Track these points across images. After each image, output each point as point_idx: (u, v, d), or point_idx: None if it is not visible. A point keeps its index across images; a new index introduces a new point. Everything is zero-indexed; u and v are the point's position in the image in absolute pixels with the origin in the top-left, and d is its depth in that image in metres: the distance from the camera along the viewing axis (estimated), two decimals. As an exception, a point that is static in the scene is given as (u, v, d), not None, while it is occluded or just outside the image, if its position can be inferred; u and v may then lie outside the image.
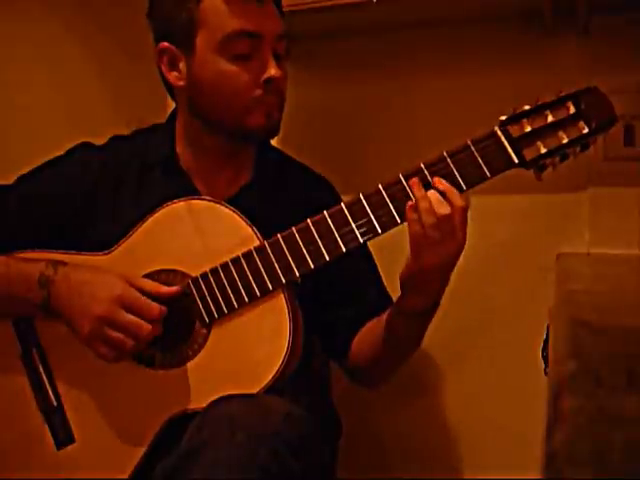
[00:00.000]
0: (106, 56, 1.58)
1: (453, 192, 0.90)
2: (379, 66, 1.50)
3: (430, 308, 1.01)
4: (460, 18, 1.42)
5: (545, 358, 1.06)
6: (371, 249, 1.20)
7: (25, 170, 1.15)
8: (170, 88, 1.12)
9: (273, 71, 1.03)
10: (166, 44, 1.06)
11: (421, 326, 1.05)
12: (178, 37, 1.05)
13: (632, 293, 0.98)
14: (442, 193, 0.91)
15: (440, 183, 0.91)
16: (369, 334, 1.12)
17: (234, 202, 1.02)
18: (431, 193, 0.91)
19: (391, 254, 1.13)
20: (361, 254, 1.16)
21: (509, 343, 1.40)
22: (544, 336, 1.04)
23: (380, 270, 1.22)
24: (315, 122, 1.54)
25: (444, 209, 0.89)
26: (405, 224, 0.93)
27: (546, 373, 0.97)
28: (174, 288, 0.99)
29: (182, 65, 1.07)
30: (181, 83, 1.08)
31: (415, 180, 0.92)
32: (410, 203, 0.91)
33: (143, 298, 0.96)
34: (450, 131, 1.43)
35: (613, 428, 0.45)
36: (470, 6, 1.36)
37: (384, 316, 1.07)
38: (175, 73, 1.08)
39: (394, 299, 1.05)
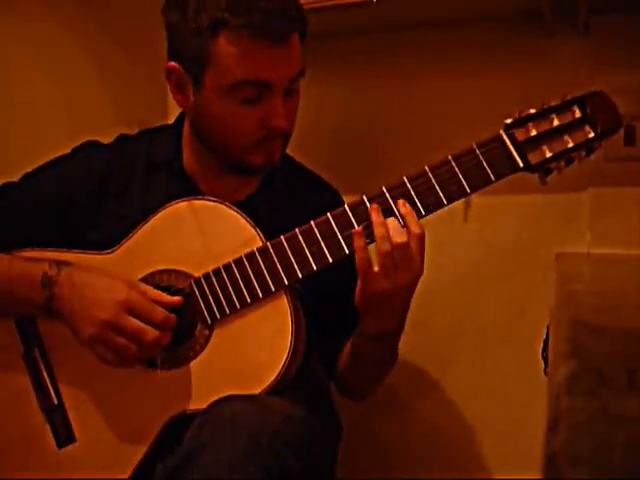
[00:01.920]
0: (106, 56, 1.58)
1: (412, 218, 0.90)
2: (379, 66, 1.50)
3: (392, 332, 1.01)
4: (460, 18, 1.42)
5: (545, 358, 1.06)
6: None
7: (25, 170, 1.15)
8: None
9: (280, 122, 1.01)
10: (176, 65, 1.03)
11: (384, 348, 1.05)
12: (188, 65, 1.02)
13: (632, 293, 0.98)
14: (402, 217, 0.91)
15: (403, 206, 0.91)
16: (345, 351, 1.13)
17: (240, 209, 1.01)
18: (390, 220, 0.91)
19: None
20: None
21: (509, 343, 1.40)
22: (544, 336, 1.04)
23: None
24: (314, 122, 1.54)
25: (400, 237, 0.89)
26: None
27: (546, 373, 0.97)
28: (177, 298, 0.98)
29: (189, 91, 1.04)
30: (186, 106, 1.06)
31: (374, 206, 0.92)
32: (357, 229, 0.91)
33: (148, 303, 0.95)
34: (450, 131, 1.44)
35: (613, 428, 0.45)
36: (470, 6, 1.36)
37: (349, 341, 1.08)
38: (182, 96, 1.06)
39: None
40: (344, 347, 1.14)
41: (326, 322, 1.11)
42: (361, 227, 0.92)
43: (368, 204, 0.93)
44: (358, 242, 0.91)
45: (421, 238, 0.91)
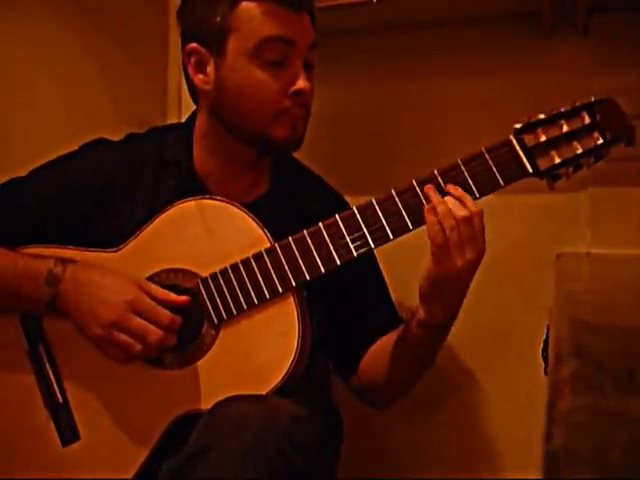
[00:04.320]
0: (106, 56, 1.58)
1: (467, 199, 0.90)
2: (378, 66, 1.50)
3: (449, 320, 1.00)
4: (460, 18, 1.42)
5: (545, 358, 1.06)
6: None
7: (24, 170, 1.14)
8: (193, 90, 1.11)
9: (302, 83, 1.03)
10: (195, 45, 1.05)
11: (439, 340, 1.04)
12: (209, 40, 1.04)
13: (632, 293, 0.98)
14: (457, 199, 0.90)
15: (455, 190, 0.91)
16: (381, 352, 1.10)
17: (250, 210, 1.01)
18: (447, 198, 0.90)
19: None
20: (372, 270, 1.15)
21: (509, 343, 1.40)
22: (544, 336, 1.04)
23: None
24: (314, 122, 1.54)
25: (463, 212, 0.89)
26: (416, 230, 0.93)
27: (546, 373, 0.97)
28: (184, 297, 0.98)
29: (210, 68, 1.05)
30: (207, 87, 1.07)
31: (430, 186, 0.91)
32: (428, 205, 0.91)
33: (154, 304, 0.96)
34: (450, 130, 1.43)
35: (613, 428, 0.45)
36: (470, 6, 1.36)
37: (397, 333, 1.05)
38: (201, 76, 1.07)
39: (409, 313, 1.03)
40: (370, 351, 1.12)
41: (346, 322, 1.10)
42: (430, 204, 0.90)
43: (417, 188, 0.93)
44: (430, 218, 0.90)
45: (481, 215, 0.90)
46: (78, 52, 1.55)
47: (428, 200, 0.91)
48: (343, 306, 1.12)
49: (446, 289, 0.94)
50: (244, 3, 1.01)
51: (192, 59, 1.06)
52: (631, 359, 0.61)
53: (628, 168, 1.31)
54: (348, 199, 1.21)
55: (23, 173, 1.15)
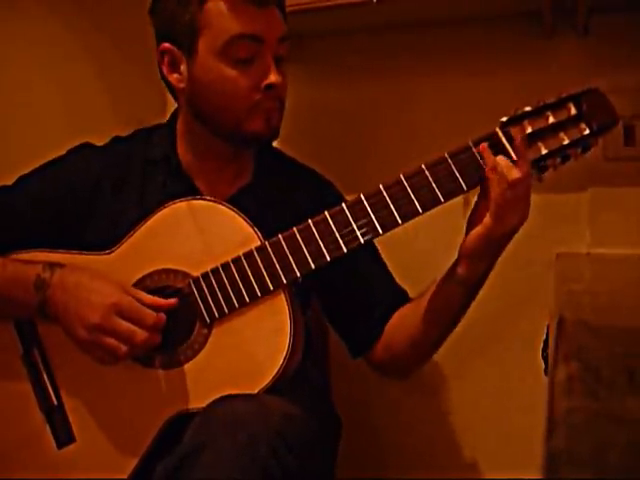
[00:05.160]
0: (105, 56, 1.58)
1: (522, 160, 0.90)
2: (379, 66, 1.50)
3: (486, 276, 1.00)
4: (460, 18, 1.42)
5: (545, 358, 1.06)
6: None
7: (24, 170, 1.15)
8: (171, 88, 1.12)
9: (274, 77, 1.03)
10: (168, 45, 1.06)
11: (475, 295, 1.03)
12: (180, 39, 1.05)
13: (632, 293, 0.99)
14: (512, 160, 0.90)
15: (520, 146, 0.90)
16: (407, 320, 1.09)
17: (232, 202, 1.02)
18: (500, 158, 0.90)
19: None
20: (371, 253, 1.15)
21: (509, 343, 1.40)
22: (544, 336, 1.04)
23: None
24: (313, 122, 1.54)
25: (517, 173, 0.88)
26: (405, 225, 0.93)
27: (546, 373, 0.97)
28: (172, 300, 0.98)
29: (183, 67, 1.06)
30: (182, 85, 1.08)
31: (484, 145, 0.91)
32: (489, 166, 0.90)
33: (138, 305, 0.96)
34: (450, 131, 1.43)
35: (613, 428, 0.45)
36: (470, 6, 1.36)
37: (425, 297, 1.05)
38: (176, 75, 1.08)
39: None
40: (392, 323, 1.11)
41: (356, 305, 1.11)
42: (491, 165, 0.90)
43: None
44: (493, 176, 0.89)
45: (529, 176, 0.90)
46: (77, 52, 1.55)
47: (484, 161, 0.91)
48: (350, 291, 1.13)
49: (495, 246, 0.94)
50: (211, 2, 1.02)
51: (166, 59, 1.08)
52: (631, 359, 0.61)
53: (628, 168, 1.31)
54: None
55: (23, 173, 1.15)
